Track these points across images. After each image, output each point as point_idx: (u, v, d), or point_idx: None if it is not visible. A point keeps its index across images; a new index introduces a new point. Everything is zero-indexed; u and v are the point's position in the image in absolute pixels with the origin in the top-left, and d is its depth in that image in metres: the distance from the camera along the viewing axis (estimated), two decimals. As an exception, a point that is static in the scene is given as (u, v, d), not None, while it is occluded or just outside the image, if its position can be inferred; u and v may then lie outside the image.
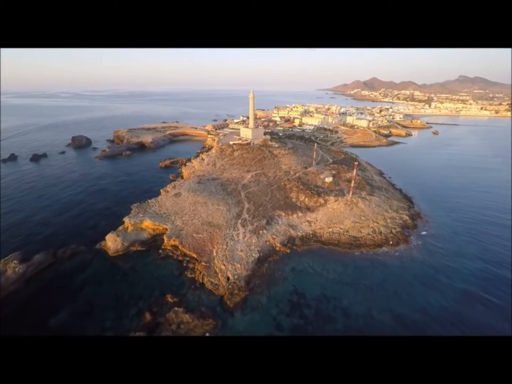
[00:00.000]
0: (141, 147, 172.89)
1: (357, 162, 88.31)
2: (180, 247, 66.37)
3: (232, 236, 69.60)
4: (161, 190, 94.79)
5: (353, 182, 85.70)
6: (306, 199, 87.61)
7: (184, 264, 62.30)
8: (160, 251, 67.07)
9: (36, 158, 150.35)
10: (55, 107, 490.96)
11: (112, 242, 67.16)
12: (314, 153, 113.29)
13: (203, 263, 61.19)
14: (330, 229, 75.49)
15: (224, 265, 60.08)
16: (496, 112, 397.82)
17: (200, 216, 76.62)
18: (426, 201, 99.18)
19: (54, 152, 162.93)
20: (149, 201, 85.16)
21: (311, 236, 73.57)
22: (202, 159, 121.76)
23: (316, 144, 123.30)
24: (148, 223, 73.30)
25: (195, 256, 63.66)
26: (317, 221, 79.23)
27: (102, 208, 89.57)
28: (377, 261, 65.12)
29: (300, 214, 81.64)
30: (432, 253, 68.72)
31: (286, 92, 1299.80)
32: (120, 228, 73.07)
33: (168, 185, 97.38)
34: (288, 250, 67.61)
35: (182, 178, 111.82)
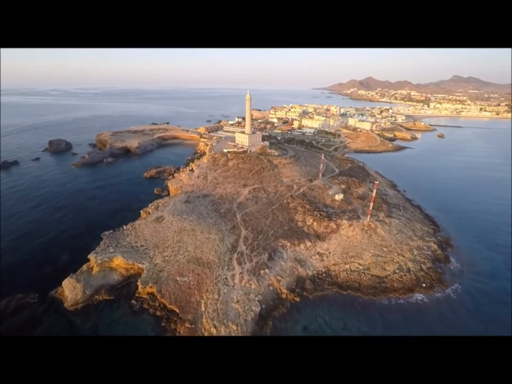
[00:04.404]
0: (126, 152, 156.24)
1: (377, 182, 74.23)
2: (158, 297, 51.43)
3: (226, 278, 54.92)
4: (141, 211, 79.45)
5: (372, 204, 71.59)
6: (315, 223, 73.30)
7: (163, 324, 47.39)
8: (133, 301, 52.04)
9: (5, 165, 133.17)
10: (41, 106, 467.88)
11: (70, 291, 51.91)
12: (322, 164, 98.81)
13: (187, 324, 46.35)
14: (347, 266, 61.34)
15: (215, 326, 45.43)
16: (497, 113, 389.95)
17: (186, 250, 61.67)
18: (450, 221, 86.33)
19: (27, 159, 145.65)
20: (124, 228, 69.82)
21: (324, 275, 59.29)
22: (191, 169, 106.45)
23: (323, 154, 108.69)
24: (119, 261, 58.13)
25: (177, 311, 48.84)
26: (329, 253, 65.02)
27: (67, 235, 73.59)
28: (411, 313, 51.21)
29: (309, 244, 67.31)
30: (475, 299, 55.16)
31: (281, 90, 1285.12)
32: (84, 267, 57.84)
33: (150, 205, 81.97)
34: (298, 299, 53.20)
35: (168, 193, 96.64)
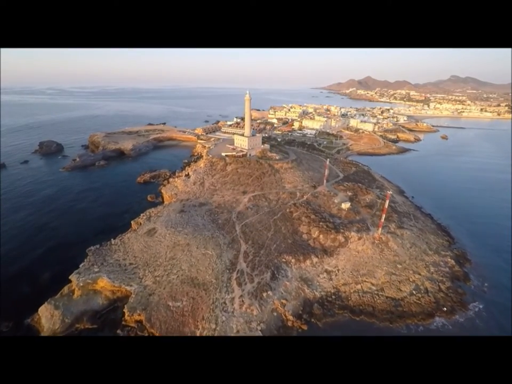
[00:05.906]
0: (119, 155, 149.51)
1: (390, 192, 68.23)
2: (147, 327, 45.26)
3: (225, 303, 48.89)
4: (132, 222, 73.15)
5: (383, 216, 65.72)
6: (321, 236, 67.38)
7: (152, 360, 41.32)
8: (119, 331, 45.88)
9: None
10: (36, 105, 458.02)
11: (47, 319, 45.63)
12: (327, 170, 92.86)
13: (179, 361, 40.34)
14: (359, 286, 55.50)
15: (212, 364, 39.37)
16: (498, 114, 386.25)
17: (180, 269, 55.53)
18: (464, 229, 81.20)
19: (16, 162, 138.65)
20: (112, 242, 63.50)
21: (333, 297, 53.40)
22: (187, 175, 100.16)
23: (328, 159, 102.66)
24: (104, 283, 51.87)
25: (168, 344, 42.73)
26: (338, 271, 59.15)
27: (50, 249, 67.06)
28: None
29: (315, 260, 61.41)
30: (500, 323, 49.49)
31: (280, 90, 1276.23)
32: (65, 289, 51.63)
33: (141, 215, 75.63)
34: (305, 327, 47.22)
35: (162, 201, 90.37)
